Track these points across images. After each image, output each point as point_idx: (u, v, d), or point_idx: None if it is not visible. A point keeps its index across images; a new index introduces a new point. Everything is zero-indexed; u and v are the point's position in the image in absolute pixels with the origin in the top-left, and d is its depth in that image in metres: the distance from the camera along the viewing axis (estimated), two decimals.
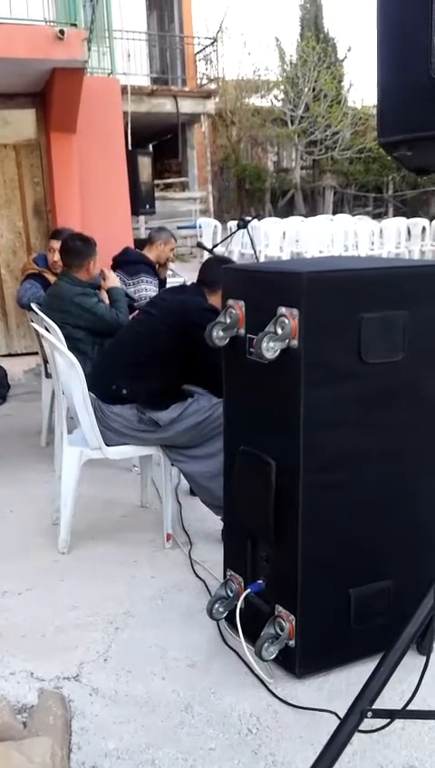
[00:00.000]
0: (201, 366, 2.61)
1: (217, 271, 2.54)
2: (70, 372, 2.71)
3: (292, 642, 1.96)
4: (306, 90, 15.67)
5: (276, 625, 1.99)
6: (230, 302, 2.06)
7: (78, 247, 3.54)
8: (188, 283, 3.00)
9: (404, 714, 1.50)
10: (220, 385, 2.20)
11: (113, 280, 3.65)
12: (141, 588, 2.51)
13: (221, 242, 7.07)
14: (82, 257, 3.50)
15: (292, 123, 16.05)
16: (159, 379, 2.69)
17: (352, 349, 1.87)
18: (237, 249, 10.32)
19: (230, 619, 2.16)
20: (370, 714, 1.46)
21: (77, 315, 3.41)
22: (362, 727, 1.47)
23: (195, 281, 2.88)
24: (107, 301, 3.60)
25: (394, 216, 15.23)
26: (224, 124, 16.13)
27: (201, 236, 11.03)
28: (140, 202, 7.69)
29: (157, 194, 10.07)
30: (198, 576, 2.57)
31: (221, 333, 2.05)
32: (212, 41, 14.46)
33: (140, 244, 4.70)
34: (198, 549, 2.77)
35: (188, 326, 2.59)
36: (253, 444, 2.04)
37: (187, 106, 13.25)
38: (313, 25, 17.61)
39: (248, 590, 2.07)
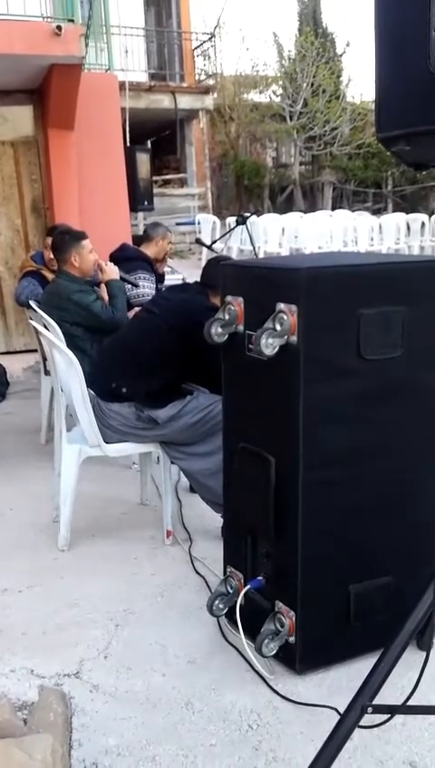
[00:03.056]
0: (203, 365, 2.60)
1: (216, 272, 2.53)
2: (69, 370, 2.71)
3: (292, 638, 1.96)
4: (305, 85, 15.61)
5: (277, 621, 1.99)
6: (229, 298, 2.06)
7: (57, 241, 3.59)
8: (189, 281, 2.99)
9: (404, 709, 1.50)
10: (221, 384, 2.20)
11: (111, 272, 3.61)
12: (141, 585, 2.52)
13: (220, 238, 7.07)
14: (63, 250, 3.52)
15: (290, 119, 16.00)
16: (159, 378, 2.68)
17: (351, 345, 1.87)
18: (236, 245, 10.30)
19: (230, 616, 2.16)
20: (370, 709, 1.46)
21: (74, 312, 3.40)
22: (362, 723, 1.47)
23: (197, 280, 2.87)
24: (106, 296, 3.59)
25: (393, 211, 15.19)
26: (222, 120, 16.08)
27: (200, 233, 11.01)
28: (139, 198, 7.69)
29: (155, 190, 10.07)
30: (198, 573, 2.57)
31: (220, 330, 2.05)
32: (210, 36, 14.41)
33: (138, 240, 4.69)
34: (197, 546, 2.77)
35: (189, 325, 2.58)
36: (252, 441, 2.04)
37: (185, 102, 13.22)
38: (311, 20, 17.54)
39: (248, 587, 2.08)
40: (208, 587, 2.45)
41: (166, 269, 4.51)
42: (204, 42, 14.53)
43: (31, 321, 3.66)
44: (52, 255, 3.93)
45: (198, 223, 11.68)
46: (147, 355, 2.71)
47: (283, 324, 1.83)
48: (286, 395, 1.88)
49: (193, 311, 2.63)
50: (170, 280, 4.56)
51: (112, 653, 2.13)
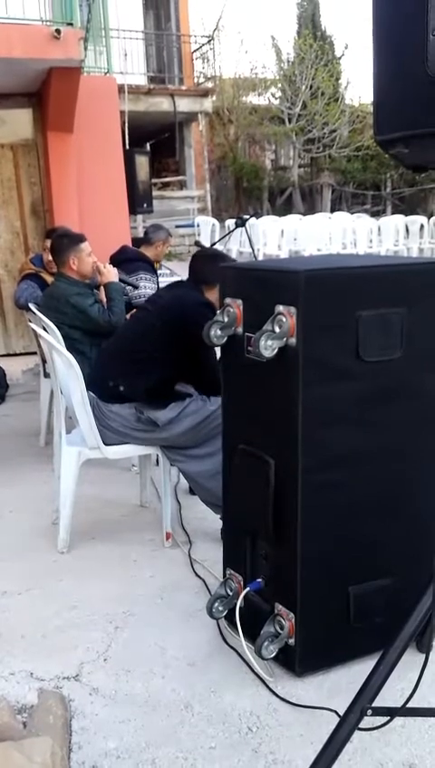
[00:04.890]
0: (196, 362, 2.61)
1: (210, 267, 2.54)
2: (68, 372, 2.71)
3: (292, 640, 1.96)
4: (304, 87, 15.65)
5: (276, 623, 1.99)
6: (228, 300, 2.06)
7: (56, 245, 3.59)
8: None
9: (404, 711, 1.50)
10: (215, 381, 2.20)
11: (109, 274, 3.59)
12: (141, 587, 2.51)
13: (219, 240, 7.06)
14: (62, 254, 3.52)
15: (289, 121, 16.04)
16: (156, 375, 2.68)
17: (350, 347, 1.87)
18: (236, 247, 10.32)
19: (230, 618, 2.16)
20: (370, 711, 1.46)
21: (73, 315, 3.41)
22: (362, 725, 1.47)
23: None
24: (104, 299, 3.59)
25: (392, 213, 15.23)
26: (221, 122, 16.12)
27: (199, 235, 11.03)
28: (138, 201, 7.68)
29: (154, 193, 10.07)
30: (197, 575, 2.57)
31: (219, 332, 2.05)
32: (209, 39, 14.44)
33: (137, 242, 4.70)
34: (197, 548, 2.77)
35: (184, 321, 2.59)
36: (252, 442, 2.04)
37: (184, 104, 13.24)
38: (310, 23, 17.59)
39: (248, 589, 2.07)
40: (208, 589, 2.45)
41: (165, 271, 4.52)
42: (203, 44, 14.57)
43: (30, 323, 3.66)
44: (50, 258, 3.94)
45: (198, 225, 11.70)
46: (143, 352, 2.71)
47: (282, 326, 1.83)
48: (285, 397, 1.89)
49: (186, 306, 2.64)
50: (169, 282, 4.56)
51: (112, 655, 2.13)
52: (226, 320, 2.04)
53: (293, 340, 1.83)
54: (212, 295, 2.62)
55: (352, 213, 14.27)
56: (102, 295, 3.61)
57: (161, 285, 4.26)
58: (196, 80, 14.71)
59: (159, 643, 2.18)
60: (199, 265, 2.78)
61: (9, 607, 2.42)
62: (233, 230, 5.93)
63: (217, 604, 2.17)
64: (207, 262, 2.74)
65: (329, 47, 16.96)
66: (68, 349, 2.80)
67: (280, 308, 1.84)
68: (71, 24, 5.06)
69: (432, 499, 2.08)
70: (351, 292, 1.87)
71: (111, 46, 6.74)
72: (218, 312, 2.07)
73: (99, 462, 2.87)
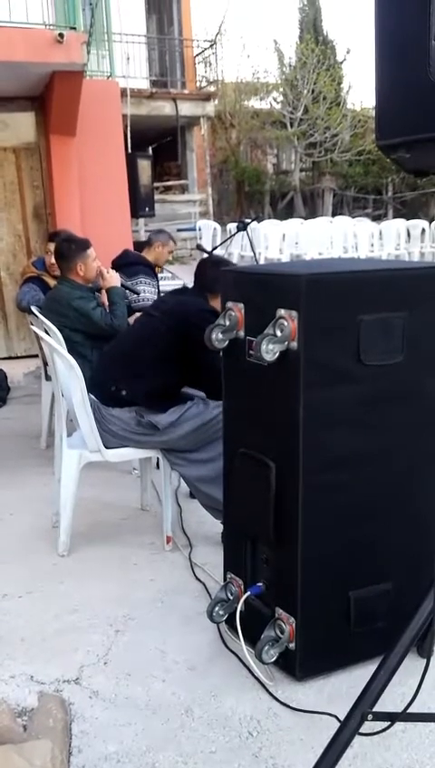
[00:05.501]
0: (199, 367, 2.61)
1: (216, 275, 2.54)
2: (69, 375, 2.71)
3: (292, 645, 1.95)
4: (305, 92, 15.69)
5: (277, 627, 1.98)
6: (230, 304, 2.06)
7: (64, 250, 3.57)
8: (189, 286, 2.99)
9: (404, 716, 1.49)
10: (218, 386, 2.20)
11: (112, 279, 3.61)
12: (141, 590, 2.51)
13: (221, 244, 7.07)
14: (69, 260, 3.52)
15: (291, 125, 16.07)
16: (158, 379, 2.69)
17: (351, 351, 1.87)
18: (237, 251, 10.33)
19: (230, 622, 2.16)
20: (370, 716, 1.45)
21: (75, 319, 3.42)
22: (362, 730, 1.47)
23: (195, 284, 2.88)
24: (106, 302, 3.60)
25: (394, 217, 15.24)
26: (223, 126, 16.16)
27: (201, 239, 11.05)
28: (140, 205, 7.70)
29: (156, 196, 10.10)
30: (197, 579, 2.57)
31: (220, 336, 2.05)
32: (211, 43, 14.48)
33: (139, 246, 4.71)
34: (197, 551, 2.77)
35: (187, 327, 2.59)
36: (253, 446, 2.04)
37: (186, 109, 13.28)
38: (312, 28, 17.64)
39: (248, 593, 2.07)
40: (208, 593, 2.44)
41: (166, 275, 4.53)
42: (205, 49, 14.61)
43: (32, 326, 3.67)
44: (53, 261, 3.94)
45: (199, 229, 11.72)
46: (145, 356, 2.71)
47: (283, 330, 1.83)
48: (287, 400, 1.89)
49: (191, 312, 2.64)
50: (171, 285, 4.57)
51: (112, 659, 2.12)
52: (227, 323, 2.04)
53: (294, 344, 1.83)
54: (217, 303, 2.61)
55: (353, 217, 14.28)
56: (104, 299, 3.62)
57: (162, 289, 4.28)
58: (198, 84, 14.75)
59: (159, 647, 2.18)
60: (205, 273, 2.78)
61: (9, 610, 2.42)
62: (234, 234, 5.96)
63: (217, 608, 2.17)
64: (212, 270, 2.72)
65: (331, 51, 17.01)
66: (69, 352, 2.80)
67: (281, 312, 1.84)
68: (74, 28, 5.09)
69: (433, 502, 2.07)
70: (352, 296, 1.87)
71: (114, 50, 6.77)
72: (220, 314, 2.07)
73: (99, 465, 2.87)
